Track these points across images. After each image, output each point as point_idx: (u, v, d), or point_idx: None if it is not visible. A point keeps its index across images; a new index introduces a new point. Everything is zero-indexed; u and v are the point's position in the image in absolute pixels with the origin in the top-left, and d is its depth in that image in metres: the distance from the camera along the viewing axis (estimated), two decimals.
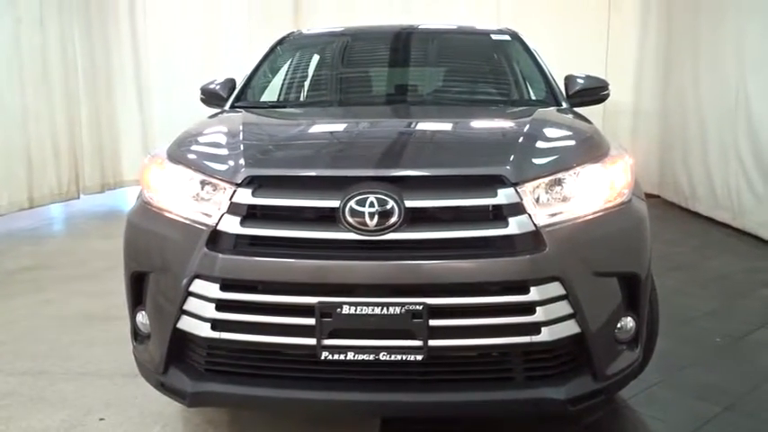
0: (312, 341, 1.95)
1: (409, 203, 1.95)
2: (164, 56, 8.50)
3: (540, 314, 1.97)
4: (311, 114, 3.29)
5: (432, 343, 1.94)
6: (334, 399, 2.01)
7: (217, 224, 2.04)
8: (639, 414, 2.70)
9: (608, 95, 3.43)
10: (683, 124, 7.30)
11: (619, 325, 2.18)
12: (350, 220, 1.94)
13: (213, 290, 2.01)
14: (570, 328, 2.02)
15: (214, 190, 2.11)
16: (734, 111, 6.09)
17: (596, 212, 2.13)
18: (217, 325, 2.03)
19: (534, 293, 1.96)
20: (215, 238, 2.04)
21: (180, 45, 8.51)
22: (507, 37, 3.71)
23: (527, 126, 2.47)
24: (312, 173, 2.11)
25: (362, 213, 1.93)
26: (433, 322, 1.93)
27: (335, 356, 1.96)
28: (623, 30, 8.15)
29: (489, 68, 3.65)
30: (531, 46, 3.62)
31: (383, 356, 1.95)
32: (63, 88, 7.48)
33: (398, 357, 1.95)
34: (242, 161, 2.13)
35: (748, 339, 3.52)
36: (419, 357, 1.95)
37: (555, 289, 1.98)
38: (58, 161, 7.45)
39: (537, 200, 2.04)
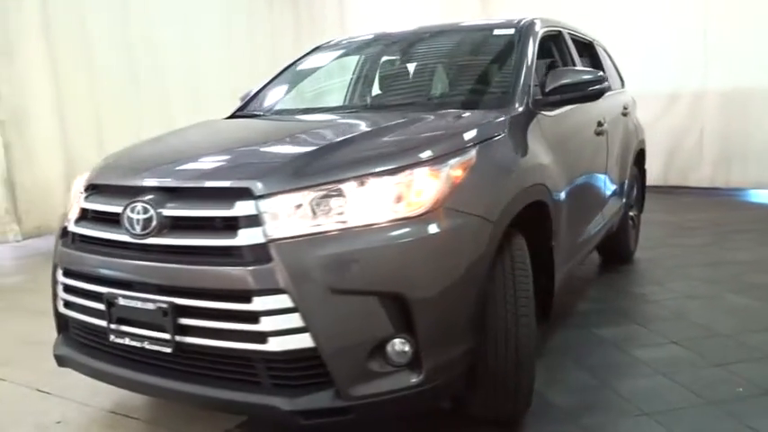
0: (105, 324, 2.31)
1: (166, 212, 2.17)
2: None
3: (264, 324, 2.02)
4: (236, 125, 3.39)
5: (179, 338, 2.15)
6: (122, 375, 2.33)
7: (67, 223, 2.52)
8: None
9: (602, 90, 3.01)
10: None
11: (388, 346, 2.07)
12: (126, 224, 2.23)
13: (61, 276, 2.50)
14: (302, 341, 2.01)
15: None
16: None
17: (357, 227, 2.04)
18: (65, 304, 2.51)
19: (257, 303, 2.01)
20: (65, 234, 2.52)
21: None
22: (511, 31, 3.39)
23: (332, 136, 2.51)
24: (114, 182, 2.46)
25: (132, 219, 2.21)
26: (180, 320, 2.14)
27: (119, 340, 2.29)
28: None
29: (457, 69, 3.42)
30: (533, 39, 3.28)
31: (146, 344, 2.22)
32: None
33: (155, 347, 2.20)
34: (94, 171, 2.58)
35: None
36: (168, 350, 2.17)
37: (282, 301, 2.00)
38: None
39: (282, 213, 2.05)
